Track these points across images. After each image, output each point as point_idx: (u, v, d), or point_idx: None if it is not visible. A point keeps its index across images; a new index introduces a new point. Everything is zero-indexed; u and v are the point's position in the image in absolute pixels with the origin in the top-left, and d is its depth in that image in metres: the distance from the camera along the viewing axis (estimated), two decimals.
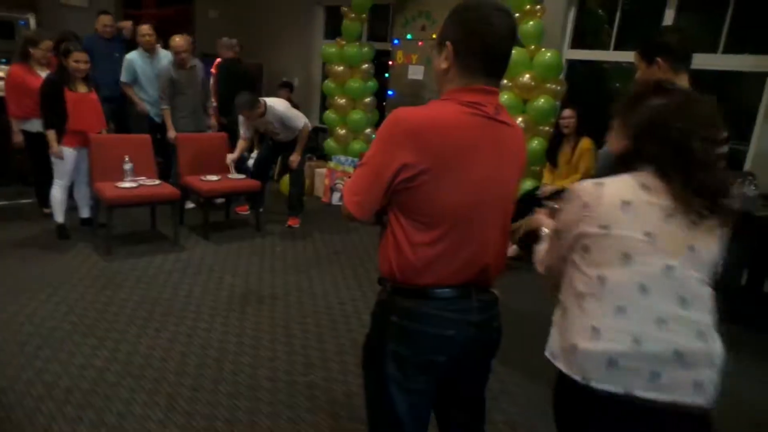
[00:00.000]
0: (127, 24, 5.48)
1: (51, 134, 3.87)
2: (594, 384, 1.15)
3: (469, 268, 1.27)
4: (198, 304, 3.29)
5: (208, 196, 4.42)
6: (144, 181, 4.17)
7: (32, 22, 6.33)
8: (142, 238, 4.37)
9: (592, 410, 1.19)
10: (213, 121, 5.25)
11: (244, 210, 5.21)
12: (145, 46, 4.88)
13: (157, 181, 4.27)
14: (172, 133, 4.78)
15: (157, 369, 2.57)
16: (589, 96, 5.39)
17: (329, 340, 2.98)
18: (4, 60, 5.85)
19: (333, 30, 7.14)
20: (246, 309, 3.28)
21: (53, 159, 3.95)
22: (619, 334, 1.15)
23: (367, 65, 6.10)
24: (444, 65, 1.25)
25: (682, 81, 2.08)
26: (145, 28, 4.82)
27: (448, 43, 1.24)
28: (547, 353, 1.29)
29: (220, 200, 5.02)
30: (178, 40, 4.73)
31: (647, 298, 1.16)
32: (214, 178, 4.55)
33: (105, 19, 5.17)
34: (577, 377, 1.17)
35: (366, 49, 6.07)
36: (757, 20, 4.22)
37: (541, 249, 1.44)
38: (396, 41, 6.03)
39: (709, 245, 1.20)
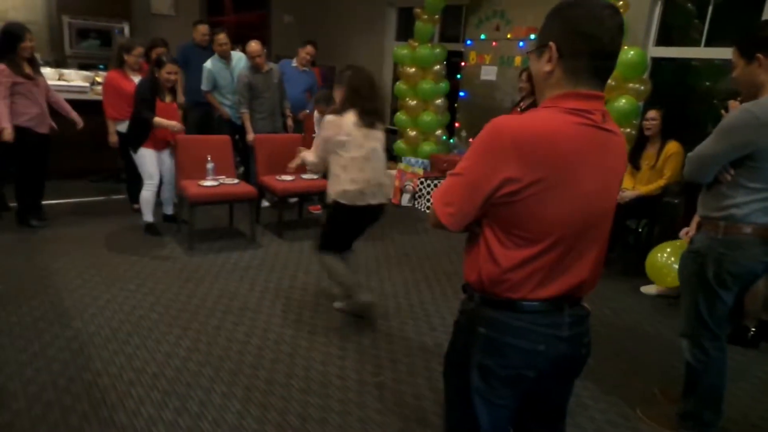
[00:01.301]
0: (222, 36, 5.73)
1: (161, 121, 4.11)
2: (356, 203, 2.89)
3: (565, 283, 1.21)
4: (272, 299, 3.41)
5: (283, 195, 4.56)
6: (224, 180, 4.37)
7: (126, 30, 6.81)
8: (221, 234, 4.58)
9: (352, 214, 2.95)
10: (290, 122, 5.42)
11: (317, 209, 5.34)
12: (222, 54, 5.12)
13: (236, 180, 4.47)
14: (251, 136, 4.98)
15: (234, 361, 2.68)
16: (675, 96, 5.09)
17: (398, 342, 2.99)
18: (102, 66, 6.33)
19: (405, 31, 7.17)
20: (317, 307, 3.35)
21: (140, 161, 4.21)
22: (362, 179, 2.84)
23: (438, 66, 6.07)
24: (547, 68, 1.17)
25: None
26: (221, 38, 5.05)
27: (551, 43, 1.15)
28: (328, 200, 2.96)
29: (293, 199, 5.18)
30: (254, 45, 4.93)
31: (370, 162, 2.87)
32: (289, 178, 4.69)
33: (202, 29, 5.51)
34: (345, 201, 2.87)
35: (438, 50, 6.04)
36: None
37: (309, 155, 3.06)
38: (469, 42, 5.97)
39: (381, 139, 2.91)
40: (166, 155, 4.38)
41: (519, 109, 4.53)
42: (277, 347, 2.85)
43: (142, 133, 4.16)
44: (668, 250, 3.67)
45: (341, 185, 2.88)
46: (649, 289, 3.90)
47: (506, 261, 1.18)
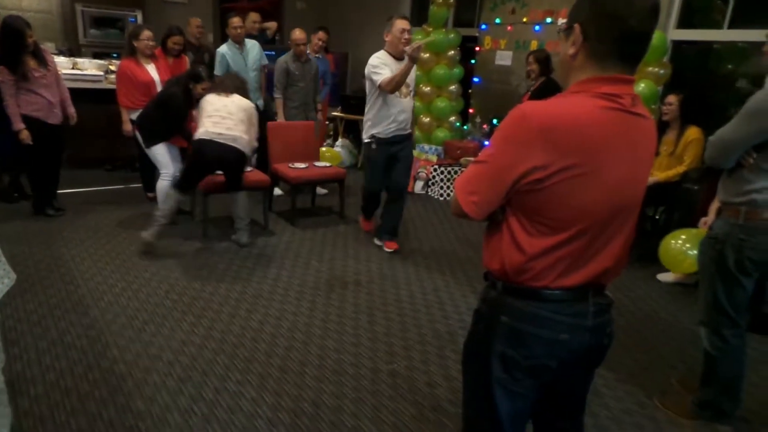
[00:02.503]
0: (272, 25, 5.69)
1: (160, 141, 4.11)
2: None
3: (589, 271, 1.18)
4: (285, 287, 3.42)
5: (296, 183, 4.56)
6: None
7: (140, 18, 6.82)
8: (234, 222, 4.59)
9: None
10: (320, 117, 5.36)
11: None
12: (235, 38, 5.06)
13: (249, 168, 4.46)
14: (282, 121, 5.01)
15: (249, 349, 2.70)
16: (697, 81, 4.96)
17: (411, 329, 2.99)
18: (115, 54, 6.36)
19: (419, 16, 7.08)
20: (331, 295, 3.36)
21: (152, 153, 4.17)
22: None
23: (453, 52, 5.99)
24: (571, 51, 1.12)
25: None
26: (235, 21, 4.99)
27: (576, 25, 1.10)
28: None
29: (323, 191, 5.21)
30: (298, 33, 4.92)
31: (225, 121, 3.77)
32: (302, 165, 4.68)
33: (195, 22, 5.44)
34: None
35: (452, 35, 5.96)
36: None
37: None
38: (484, 26, 5.87)
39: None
40: (174, 145, 4.33)
41: (530, 93, 4.47)
42: (291, 335, 2.86)
43: (160, 134, 4.12)
44: (683, 237, 3.60)
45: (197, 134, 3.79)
46: (665, 277, 3.85)
47: (531, 249, 1.15)
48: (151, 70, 4.53)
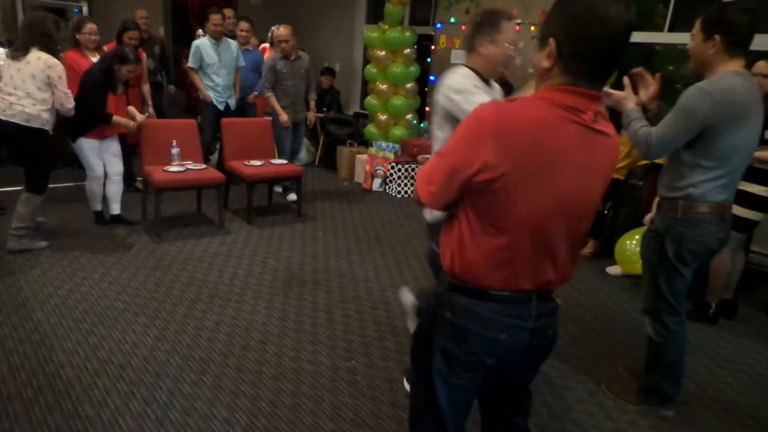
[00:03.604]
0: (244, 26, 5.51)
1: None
2: None
3: (533, 276, 1.21)
4: (242, 286, 3.36)
5: (251, 181, 4.49)
6: (191, 165, 4.27)
7: (85, 9, 6.55)
8: (189, 221, 4.49)
9: None
10: (311, 116, 5.24)
11: None
12: (214, 35, 4.93)
13: (203, 166, 4.37)
14: (283, 117, 4.91)
15: (204, 349, 2.64)
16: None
17: (370, 326, 3.00)
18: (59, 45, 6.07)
19: (375, 14, 7.09)
20: (288, 293, 3.33)
21: (77, 151, 3.93)
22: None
23: (409, 50, 6.03)
24: (546, 64, 1.13)
25: (735, 66, 1.96)
26: (216, 18, 4.87)
27: (551, 40, 1.11)
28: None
29: (293, 197, 5.09)
30: (282, 29, 4.82)
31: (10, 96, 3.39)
32: (258, 163, 4.62)
33: (215, 18, 5.00)
34: None
35: (408, 33, 6.00)
36: None
37: None
38: (439, 25, 5.93)
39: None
40: (111, 142, 4.06)
41: None
42: (247, 334, 2.82)
43: (84, 123, 3.84)
44: (637, 237, 3.74)
45: None
46: (614, 270, 4.00)
47: (477, 249, 1.18)
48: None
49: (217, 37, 4.94)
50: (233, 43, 5.10)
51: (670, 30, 4.62)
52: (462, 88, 1.99)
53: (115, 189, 4.16)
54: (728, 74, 1.95)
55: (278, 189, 5.38)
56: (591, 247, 4.29)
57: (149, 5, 6.48)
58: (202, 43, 4.93)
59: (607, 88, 2.18)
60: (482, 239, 1.17)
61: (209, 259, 3.74)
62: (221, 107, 5.08)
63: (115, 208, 4.23)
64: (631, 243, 3.74)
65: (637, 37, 4.88)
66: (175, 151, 4.21)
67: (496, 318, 1.21)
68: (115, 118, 3.85)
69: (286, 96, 4.96)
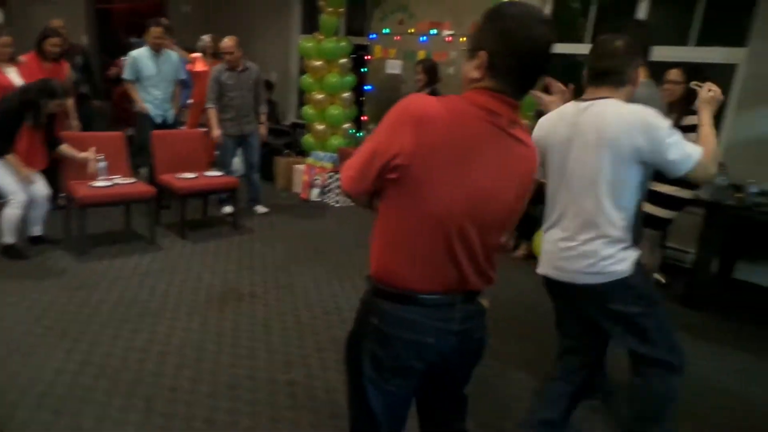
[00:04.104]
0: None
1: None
2: None
3: (450, 276, 1.23)
4: (176, 303, 3.24)
5: (184, 194, 4.35)
6: (118, 179, 4.09)
7: (1, 17, 6.17)
8: (117, 237, 4.29)
9: None
10: (263, 130, 5.08)
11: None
12: (154, 48, 4.75)
13: (132, 179, 4.20)
14: (215, 132, 4.75)
15: (134, 371, 2.53)
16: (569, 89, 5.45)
17: (309, 337, 2.97)
18: None
19: (310, 24, 7.09)
20: (225, 308, 3.24)
21: None
22: None
23: (345, 60, 6.06)
24: (475, 74, 1.17)
25: (642, 77, 2.12)
26: (157, 31, 4.69)
27: (482, 53, 1.15)
28: None
29: (227, 209, 4.93)
30: (227, 40, 4.67)
31: None
32: (191, 175, 4.48)
33: (157, 32, 4.77)
34: None
35: (344, 43, 6.03)
36: (727, 14, 4.31)
37: None
38: (373, 36, 6.00)
39: None
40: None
41: None
42: (181, 352, 2.72)
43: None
44: None
45: None
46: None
47: (396, 250, 1.20)
48: (12, 74, 4.11)
49: (156, 49, 4.77)
50: (174, 55, 4.95)
51: (592, 41, 4.87)
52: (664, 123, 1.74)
53: (40, 212, 3.91)
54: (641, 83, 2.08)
55: (227, 209, 5.13)
56: (524, 249, 4.44)
57: (70, 14, 6.21)
58: (140, 54, 4.74)
59: (536, 92, 2.28)
60: (398, 238, 1.20)
61: (140, 277, 3.58)
62: (158, 120, 4.89)
63: (37, 230, 3.97)
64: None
65: (561, 48, 5.15)
66: (101, 165, 4.02)
67: (421, 322, 1.23)
68: (10, 157, 3.57)
69: (230, 108, 4.81)
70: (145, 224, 4.29)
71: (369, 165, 1.18)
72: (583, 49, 4.93)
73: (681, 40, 4.37)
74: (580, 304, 2.00)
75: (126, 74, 4.75)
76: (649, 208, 3.20)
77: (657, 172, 2.86)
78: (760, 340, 3.29)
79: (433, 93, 4.65)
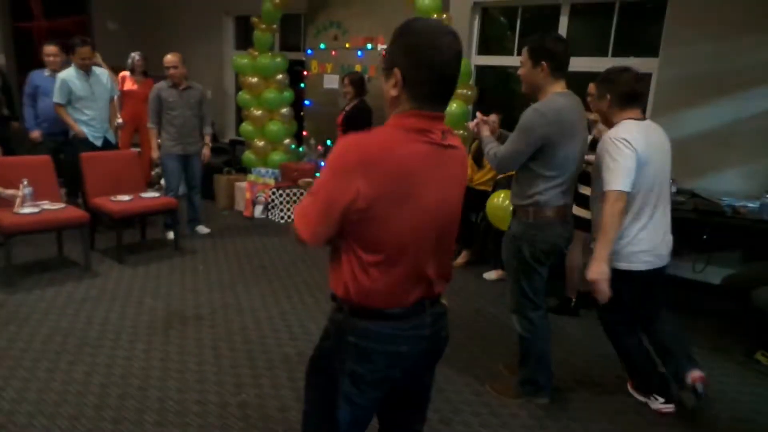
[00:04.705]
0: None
1: None
2: None
3: (422, 286, 1.30)
4: (116, 331, 3.12)
5: (120, 217, 4.19)
6: (47, 205, 3.90)
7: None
8: (48, 266, 4.07)
9: None
10: (206, 151, 4.91)
11: None
12: (82, 68, 4.53)
13: (62, 205, 4.01)
14: (154, 153, 4.60)
15: (73, 404, 2.41)
16: (499, 99, 5.68)
17: (259, 357, 2.93)
18: None
19: (244, 40, 7.03)
20: (169, 332, 3.14)
21: None
22: None
23: (281, 75, 6.05)
24: (394, 92, 1.23)
25: (560, 87, 2.29)
26: (85, 51, 4.46)
27: (396, 70, 1.22)
28: None
29: (171, 237, 4.74)
30: (169, 56, 4.52)
31: None
32: (126, 198, 4.33)
33: (83, 52, 4.50)
34: None
35: (279, 59, 6.02)
36: (639, 27, 4.65)
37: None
38: (309, 51, 6.03)
39: None
40: None
41: (345, 112, 4.81)
42: (124, 382, 2.61)
43: None
44: (502, 195, 3.89)
45: None
46: (490, 275, 4.30)
47: (363, 272, 1.24)
48: None
49: (86, 69, 4.57)
50: (104, 73, 4.76)
51: (518, 53, 5.12)
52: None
53: None
54: (556, 95, 2.26)
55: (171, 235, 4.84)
56: (465, 257, 4.56)
57: None
58: (69, 75, 4.49)
59: (469, 122, 2.53)
60: (368, 263, 1.24)
61: (75, 305, 3.41)
62: (99, 143, 4.67)
63: None
64: (499, 200, 3.91)
65: (491, 60, 5.35)
66: (27, 190, 3.81)
67: (396, 333, 1.29)
68: None
69: (171, 126, 4.67)
70: (78, 250, 4.09)
71: (328, 215, 1.20)
72: (511, 61, 5.18)
73: (599, 52, 4.67)
74: (660, 281, 2.49)
75: (56, 98, 4.51)
76: (579, 211, 3.38)
77: (583, 176, 3.07)
78: None
79: (361, 105, 4.76)
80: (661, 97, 4.33)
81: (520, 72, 2.35)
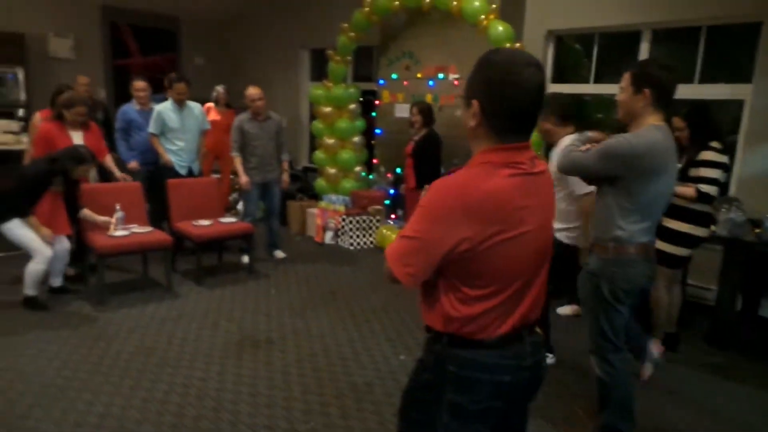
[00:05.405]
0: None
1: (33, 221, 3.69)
2: None
3: (521, 314, 1.29)
4: (193, 352, 3.24)
5: (200, 241, 4.41)
6: (136, 228, 4.16)
7: (21, 75, 6.41)
8: (135, 286, 4.33)
9: None
10: (285, 177, 5.16)
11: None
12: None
13: (149, 228, 4.27)
14: (243, 179, 4.85)
15: (153, 423, 2.51)
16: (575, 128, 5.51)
17: (327, 384, 2.94)
18: None
19: (319, 71, 7.29)
20: (242, 355, 3.23)
21: (12, 236, 3.62)
22: None
23: (353, 105, 6.21)
24: (472, 123, 1.24)
25: (657, 120, 2.15)
26: (181, 87, 4.82)
27: (475, 102, 1.22)
28: None
29: (245, 261, 4.87)
30: (251, 89, 4.81)
31: None
32: (206, 222, 4.55)
33: (180, 87, 4.86)
34: None
35: (352, 89, 6.19)
36: (729, 51, 4.39)
37: None
38: (382, 81, 6.16)
39: None
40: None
41: (415, 141, 4.87)
42: (199, 403, 2.70)
43: (18, 206, 3.61)
44: None
45: None
46: (564, 310, 4.12)
47: (469, 309, 1.24)
48: (78, 138, 4.14)
49: (180, 103, 4.90)
50: (197, 107, 5.07)
51: (596, 81, 4.98)
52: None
53: (61, 265, 3.97)
54: (652, 128, 2.12)
55: (245, 259, 5.03)
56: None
57: (88, 69, 6.45)
58: (165, 108, 4.86)
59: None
60: (470, 299, 1.24)
61: (157, 325, 3.59)
62: (183, 172, 4.99)
63: (57, 281, 4.03)
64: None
65: (566, 88, 5.24)
66: (119, 215, 4.10)
67: (498, 363, 1.27)
68: (31, 219, 3.65)
69: (253, 156, 4.92)
70: (161, 272, 4.33)
71: (428, 261, 1.21)
72: (587, 88, 5.04)
73: (685, 78, 4.44)
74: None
75: (151, 128, 4.87)
76: (663, 246, 3.18)
77: (669, 208, 2.90)
78: None
79: (431, 134, 4.79)
80: (755, 126, 4.04)
81: (618, 97, 2.23)
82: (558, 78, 5.27)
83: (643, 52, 4.61)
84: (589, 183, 2.43)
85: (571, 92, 5.20)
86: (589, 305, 2.34)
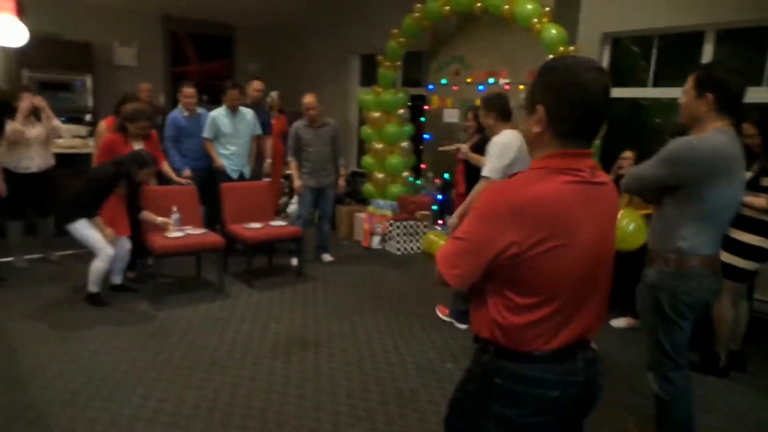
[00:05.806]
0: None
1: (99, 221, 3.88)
2: None
3: (574, 330, 1.26)
4: (243, 352, 3.31)
5: (251, 243, 4.51)
6: (190, 230, 4.31)
7: (89, 82, 6.78)
8: (189, 286, 4.47)
9: None
10: (342, 182, 5.27)
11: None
12: (232, 108, 5.02)
13: (203, 230, 4.41)
14: (297, 183, 5.03)
15: (203, 420, 2.58)
16: (630, 133, 5.32)
17: (373, 389, 2.93)
18: (63, 118, 6.25)
19: (369, 77, 7.35)
20: (290, 357, 3.28)
21: (79, 236, 3.82)
22: None
23: (402, 110, 6.21)
24: (537, 129, 1.23)
25: (723, 125, 2.02)
26: (234, 93, 4.97)
27: (539, 107, 1.22)
28: None
29: (294, 263, 4.98)
30: (308, 97, 4.95)
31: None
32: (257, 225, 4.65)
33: (256, 84, 5.28)
34: None
35: (401, 95, 6.19)
36: None
37: None
38: (431, 86, 6.14)
39: None
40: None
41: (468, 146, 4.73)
42: (247, 403, 2.75)
43: (85, 207, 3.80)
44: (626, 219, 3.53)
45: None
46: (618, 323, 3.96)
47: (517, 318, 1.22)
48: (138, 147, 4.25)
49: (233, 109, 5.04)
50: (249, 113, 5.19)
51: (655, 85, 4.78)
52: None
53: (121, 264, 4.17)
54: (716, 131, 2.01)
55: (294, 261, 5.13)
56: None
57: (150, 76, 6.74)
58: (219, 113, 5.01)
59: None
60: (519, 306, 1.22)
61: (209, 325, 3.70)
62: (235, 176, 5.12)
63: (118, 279, 4.22)
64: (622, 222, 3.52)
65: (624, 92, 5.04)
66: (175, 216, 4.25)
67: (546, 377, 1.24)
68: (98, 220, 3.84)
69: (307, 162, 5.03)
70: (214, 272, 4.45)
71: (476, 262, 1.21)
72: (646, 93, 4.85)
73: (752, 82, 4.20)
74: None
75: (205, 133, 5.03)
76: (730, 258, 3.01)
77: (738, 219, 2.73)
78: None
79: (484, 140, 4.68)
80: None
81: (680, 101, 2.13)
82: (614, 82, 5.09)
83: (707, 54, 4.39)
84: (651, 201, 2.26)
85: (629, 96, 5.04)
86: (648, 320, 2.23)
